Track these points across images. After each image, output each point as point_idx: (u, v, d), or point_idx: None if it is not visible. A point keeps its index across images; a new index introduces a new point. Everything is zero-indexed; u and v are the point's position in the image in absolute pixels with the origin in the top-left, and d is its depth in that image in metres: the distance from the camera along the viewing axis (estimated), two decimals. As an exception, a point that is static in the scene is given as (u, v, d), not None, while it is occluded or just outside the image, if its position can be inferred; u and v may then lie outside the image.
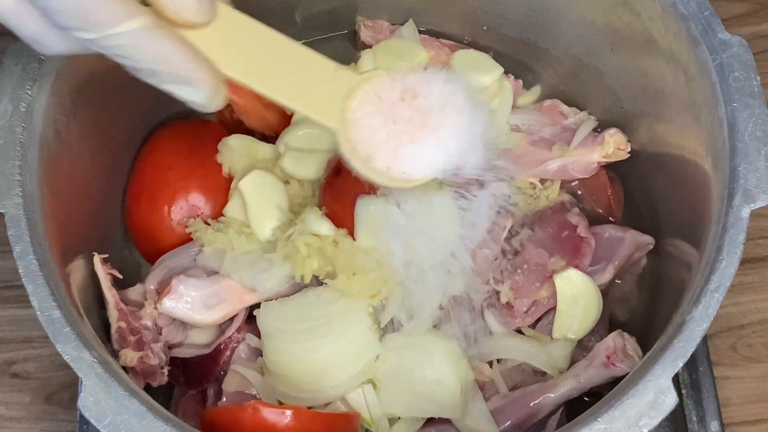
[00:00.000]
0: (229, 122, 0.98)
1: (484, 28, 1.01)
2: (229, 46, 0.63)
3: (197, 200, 0.89)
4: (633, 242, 0.88)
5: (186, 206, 0.89)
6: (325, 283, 0.81)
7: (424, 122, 0.67)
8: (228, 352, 0.84)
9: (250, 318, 0.85)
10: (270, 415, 0.73)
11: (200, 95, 0.60)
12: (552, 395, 0.81)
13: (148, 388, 0.81)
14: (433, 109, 0.67)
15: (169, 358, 0.83)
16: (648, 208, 0.93)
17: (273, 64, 0.65)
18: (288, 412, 0.73)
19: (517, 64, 1.01)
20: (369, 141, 0.67)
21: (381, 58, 0.97)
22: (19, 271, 0.67)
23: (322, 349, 0.78)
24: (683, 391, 0.88)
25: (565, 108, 0.97)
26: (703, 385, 0.88)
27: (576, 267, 0.85)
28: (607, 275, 0.87)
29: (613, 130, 0.92)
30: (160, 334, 0.82)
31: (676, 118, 0.82)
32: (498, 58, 0.97)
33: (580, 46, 0.94)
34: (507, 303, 0.84)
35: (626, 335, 0.83)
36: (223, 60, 0.62)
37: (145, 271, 0.89)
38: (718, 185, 0.71)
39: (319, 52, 0.67)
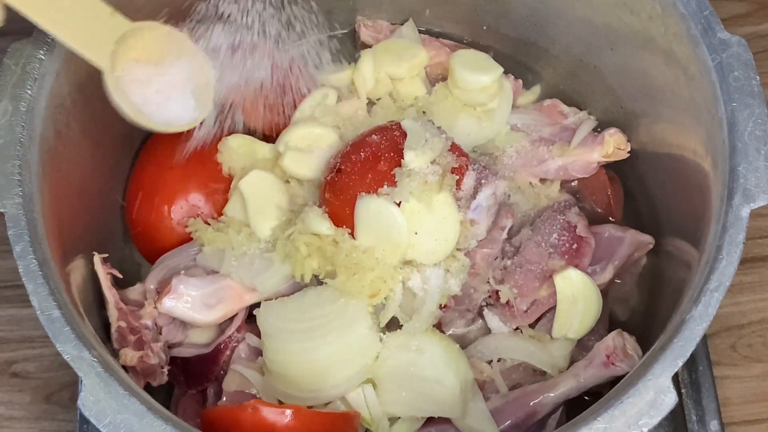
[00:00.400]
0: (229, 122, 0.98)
1: (484, 27, 1.01)
2: None
3: (197, 200, 0.89)
4: (633, 242, 0.88)
5: (186, 206, 0.89)
6: (325, 283, 0.81)
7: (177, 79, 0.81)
8: (228, 352, 0.84)
9: (250, 317, 0.85)
10: (270, 414, 0.73)
11: None
12: (552, 394, 0.81)
13: (148, 388, 0.81)
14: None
15: (169, 358, 0.83)
16: (648, 207, 0.93)
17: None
18: (288, 412, 0.73)
19: (517, 64, 1.01)
20: (140, 92, 0.78)
21: (381, 57, 0.97)
22: (19, 270, 0.67)
23: (322, 349, 0.78)
24: (683, 391, 0.88)
25: (564, 108, 0.97)
26: (703, 385, 0.88)
27: (576, 266, 0.85)
28: (606, 275, 0.87)
29: (612, 130, 0.92)
30: (160, 333, 0.82)
31: (676, 118, 0.82)
32: (498, 57, 0.97)
33: (580, 46, 0.94)
34: (507, 302, 0.84)
35: (626, 335, 0.83)
36: None
37: (145, 271, 0.89)
38: (717, 185, 0.71)
39: None
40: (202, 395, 0.86)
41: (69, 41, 0.71)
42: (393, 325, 0.82)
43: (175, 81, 0.81)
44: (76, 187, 0.82)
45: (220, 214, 0.89)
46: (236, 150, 0.91)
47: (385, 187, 0.80)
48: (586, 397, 0.82)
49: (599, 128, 0.95)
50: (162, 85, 0.80)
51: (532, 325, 0.87)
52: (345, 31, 1.07)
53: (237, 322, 0.84)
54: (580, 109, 0.97)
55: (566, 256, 0.86)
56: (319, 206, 0.83)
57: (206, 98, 0.84)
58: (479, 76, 0.92)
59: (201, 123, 0.85)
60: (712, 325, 0.65)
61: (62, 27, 0.70)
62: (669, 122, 0.85)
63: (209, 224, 0.87)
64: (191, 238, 0.88)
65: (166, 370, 0.83)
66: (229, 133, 0.95)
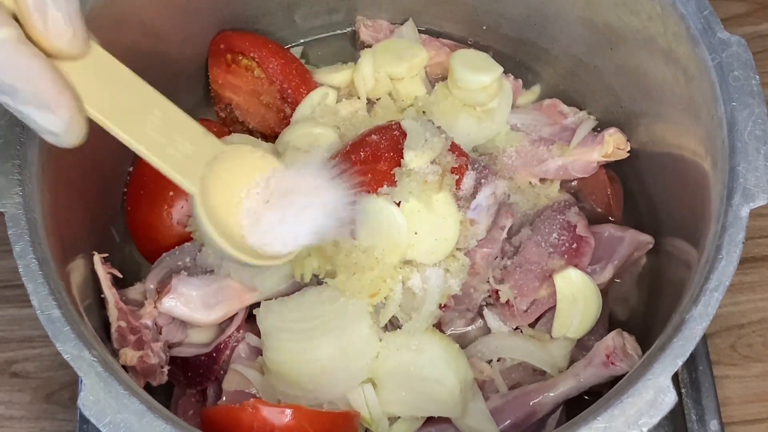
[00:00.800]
0: (229, 121, 0.98)
1: (484, 27, 1.01)
2: (96, 86, 0.61)
3: (197, 199, 0.89)
4: (632, 241, 0.88)
5: (186, 206, 0.89)
6: (325, 283, 0.81)
7: (292, 203, 0.69)
8: (228, 352, 0.84)
9: (250, 317, 0.85)
10: (270, 414, 0.73)
11: (58, 124, 0.57)
12: (551, 394, 0.81)
13: (148, 388, 0.81)
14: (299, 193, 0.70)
15: (168, 358, 0.83)
16: (647, 207, 0.93)
17: (139, 114, 0.63)
18: (288, 411, 0.73)
19: (517, 64, 1.01)
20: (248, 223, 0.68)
21: (381, 57, 0.97)
22: (19, 270, 0.67)
23: (321, 348, 0.78)
24: (683, 390, 0.88)
25: (564, 107, 0.97)
26: (703, 384, 0.88)
27: (575, 266, 0.85)
28: (606, 274, 0.87)
29: (612, 130, 0.92)
30: (160, 333, 0.82)
31: (676, 118, 0.82)
32: (498, 57, 0.97)
33: (580, 46, 0.94)
34: (506, 302, 0.85)
35: (626, 334, 0.83)
36: (88, 98, 0.60)
37: (145, 271, 0.89)
38: (717, 184, 0.71)
39: (187, 115, 0.66)
40: (202, 395, 0.87)
41: (159, 162, 0.63)
42: (393, 324, 0.82)
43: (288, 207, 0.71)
44: (76, 187, 0.82)
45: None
46: (236, 150, 0.91)
47: (385, 186, 0.80)
48: (586, 397, 0.82)
49: (599, 128, 0.95)
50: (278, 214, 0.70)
51: (531, 325, 0.87)
52: (345, 30, 1.07)
53: (237, 322, 0.84)
54: (580, 109, 0.97)
55: (566, 256, 0.86)
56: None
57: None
58: (479, 76, 0.93)
59: None
60: (712, 324, 0.65)
61: (152, 147, 0.63)
62: (669, 122, 0.85)
63: (209, 224, 0.87)
64: (191, 238, 0.88)
65: (166, 369, 0.83)
66: (229, 133, 0.95)
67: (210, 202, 0.66)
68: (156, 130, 0.64)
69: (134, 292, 0.84)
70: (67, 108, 0.56)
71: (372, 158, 0.82)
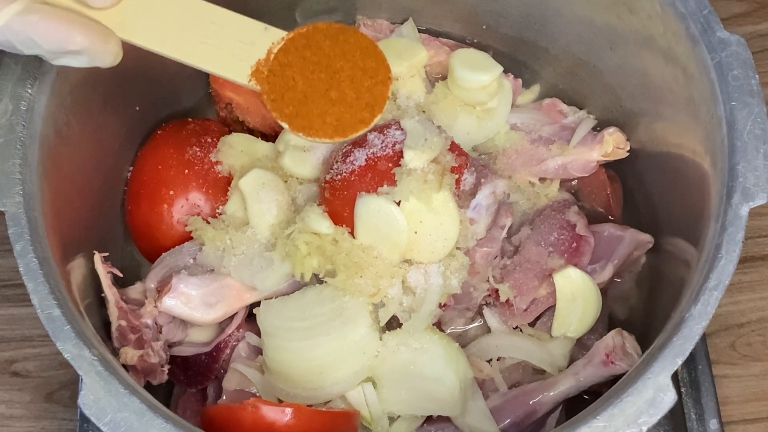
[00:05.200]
0: (229, 121, 0.98)
1: (484, 27, 1.02)
2: (139, 14, 0.64)
3: (197, 199, 0.90)
4: (632, 241, 0.88)
5: (186, 205, 0.89)
6: (325, 282, 0.81)
7: None
8: (228, 351, 0.84)
9: (250, 316, 0.85)
10: (270, 413, 0.73)
11: (86, 61, 0.63)
12: (551, 393, 0.81)
13: (148, 387, 0.81)
14: None
15: (169, 357, 0.83)
16: (647, 206, 0.93)
17: (188, 29, 0.65)
18: (288, 410, 0.73)
19: (517, 63, 1.01)
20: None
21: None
22: (20, 269, 0.67)
23: (321, 348, 0.78)
24: (682, 390, 0.88)
25: (564, 107, 0.97)
26: (702, 384, 0.88)
27: (575, 265, 0.85)
28: (606, 274, 0.87)
29: (612, 129, 0.92)
30: (161, 332, 0.83)
31: (675, 117, 0.82)
32: (497, 56, 0.97)
33: (579, 45, 0.94)
34: (506, 301, 0.85)
35: (625, 333, 0.83)
36: (136, 31, 0.63)
37: (146, 270, 0.89)
38: (716, 183, 0.71)
39: (245, 17, 0.67)
40: (202, 394, 0.87)
41: (226, 75, 0.66)
42: (393, 323, 0.82)
43: None
44: (76, 186, 0.83)
45: (221, 212, 0.89)
46: (236, 148, 0.91)
47: (385, 186, 0.80)
48: (586, 396, 0.82)
49: (598, 127, 0.95)
50: None
51: (531, 324, 0.87)
52: (345, 30, 1.07)
53: (237, 321, 0.84)
54: (580, 108, 0.97)
55: (566, 255, 0.86)
56: (319, 205, 0.83)
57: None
58: (479, 75, 0.92)
59: None
60: (712, 323, 0.65)
61: (214, 62, 0.65)
62: (668, 121, 0.85)
63: (209, 223, 0.87)
64: (191, 237, 0.88)
65: (166, 368, 0.83)
66: (229, 132, 0.95)
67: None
68: (214, 43, 0.65)
69: (134, 291, 0.85)
70: (92, 46, 0.62)
71: (372, 158, 0.82)
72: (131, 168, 0.94)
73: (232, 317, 0.84)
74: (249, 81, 0.66)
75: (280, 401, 0.79)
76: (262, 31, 0.67)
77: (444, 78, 0.97)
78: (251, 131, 0.97)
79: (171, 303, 0.81)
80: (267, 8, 1.00)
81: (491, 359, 0.86)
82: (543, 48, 0.99)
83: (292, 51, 0.67)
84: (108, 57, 0.64)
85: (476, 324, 0.89)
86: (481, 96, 0.93)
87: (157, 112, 0.97)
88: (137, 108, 0.93)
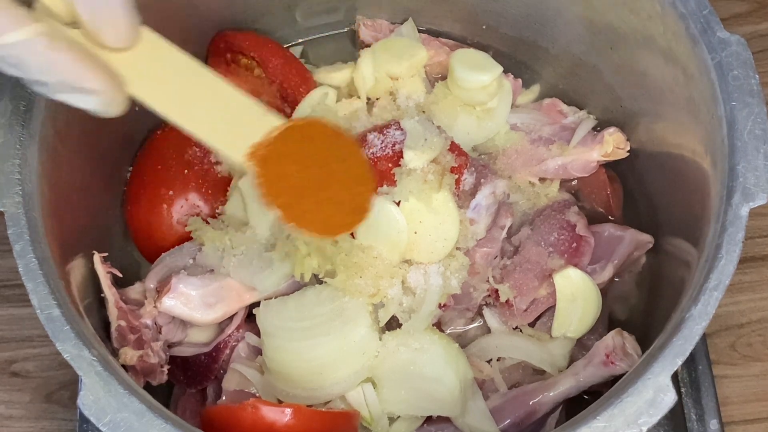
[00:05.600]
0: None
1: (484, 27, 1.01)
2: (146, 71, 0.62)
3: (197, 199, 0.90)
4: (632, 241, 0.88)
5: (186, 205, 0.89)
6: (325, 282, 0.81)
7: None
8: (227, 351, 0.84)
9: (250, 316, 0.85)
10: (269, 413, 0.73)
11: (94, 103, 0.59)
12: (551, 393, 0.81)
13: (147, 387, 0.81)
14: None
15: (168, 357, 0.83)
16: (647, 206, 0.93)
17: (191, 95, 0.64)
18: (287, 411, 0.73)
19: (517, 63, 1.01)
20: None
21: (380, 56, 0.97)
22: (19, 269, 0.67)
23: (321, 348, 0.78)
24: (682, 390, 0.88)
25: (564, 107, 0.97)
26: (702, 384, 0.88)
27: (575, 265, 0.85)
28: (606, 274, 0.87)
29: (612, 129, 0.92)
30: (160, 332, 0.82)
31: (676, 117, 0.82)
32: (497, 57, 0.97)
33: (580, 45, 0.94)
34: (506, 301, 0.85)
35: (625, 333, 0.83)
36: (140, 85, 0.61)
37: (145, 270, 0.89)
38: (717, 184, 0.71)
39: (245, 94, 0.66)
40: (201, 394, 0.87)
41: (219, 145, 0.65)
42: (393, 323, 0.82)
43: None
44: (76, 186, 0.82)
45: (221, 212, 0.89)
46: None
47: (385, 186, 0.80)
48: (586, 396, 0.82)
49: (598, 127, 0.95)
50: None
51: (531, 324, 0.87)
52: (345, 30, 1.07)
53: (237, 321, 0.84)
54: (580, 108, 0.97)
55: (566, 255, 0.86)
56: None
57: None
58: (479, 75, 0.92)
59: None
60: (712, 324, 0.65)
61: (205, 129, 0.64)
62: (668, 121, 0.85)
63: (209, 223, 0.87)
64: (191, 237, 0.88)
65: (165, 369, 0.83)
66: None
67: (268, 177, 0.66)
68: (215, 115, 0.65)
69: (134, 291, 0.84)
70: (101, 91, 0.59)
71: (372, 158, 0.82)
72: (131, 168, 0.94)
73: (231, 317, 0.84)
74: (244, 161, 0.65)
75: (280, 401, 0.79)
76: (262, 114, 0.67)
77: (444, 78, 0.97)
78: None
79: (171, 303, 0.81)
80: (267, 8, 1.00)
81: (491, 359, 0.86)
82: (543, 48, 0.99)
83: (290, 141, 0.67)
84: (117, 104, 0.61)
85: (476, 324, 0.89)
86: (481, 96, 0.93)
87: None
88: (137, 108, 0.93)
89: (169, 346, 0.84)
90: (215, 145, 0.65)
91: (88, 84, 0.58)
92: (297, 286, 0.83)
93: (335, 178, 0.67)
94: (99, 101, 0.59)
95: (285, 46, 1.03)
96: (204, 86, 0.65)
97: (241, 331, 0.84)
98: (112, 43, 0.60)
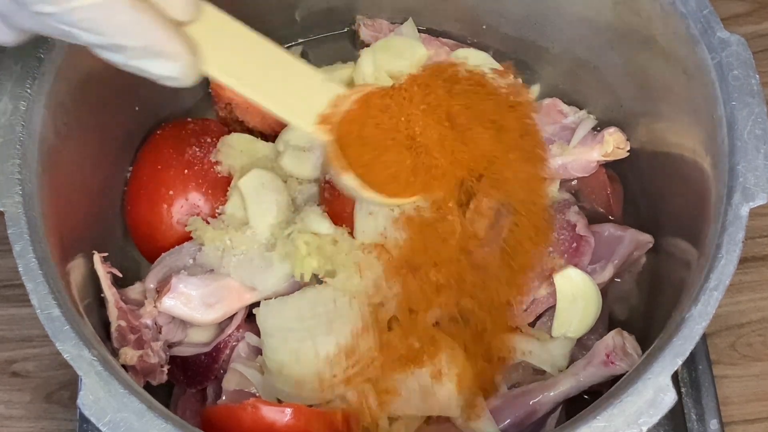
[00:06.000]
0: (229, 121, 0.98)
1: (484, 27, 1.01)
2: (211, 45, 0.62)
3: (197, 199, 0.89)
4: (632, 241, 0.88)
5: (185, 205, 0.89)
6: (325, 282, 0.81)
7: None
8: (227, 351, 0.84)
9: (250, 316, 0.85)
10: (270, 413, 0.73)
11: (173, 69, 0.57)
12: (551, 393, 0.81)
13: (147, 387, 0.81)
14: None
15: (168, 357, 0.83)
16: (647, 206, 0.93)
17: (256, 67, 0.65)
18: (287, 411, 0.73)
19: (517, 63, 1.01)
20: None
21: (380, 55, 0.97)
22: (19, 269, 0.67)
23: (321, 348, 0.78)
24: (682, 390, 0.88)
25: (564, 107, 0.97)
26: (703, 384, 0.88)
27: (575, 265, 0.85)
28: (606, 274, 0.87)
29: (612, 129, 0.92)
30: (160, 332, 0.82)
31: (676, 117, 0.82)
32: (497, 56, 0.97)
33: (580, 45, 0.94)
34: (506, 301, 0.84)
35: (625, 333, 0.83)
36: (205, 58, 0.61)
37: (145, 270, 0.89)
38: (717, 183, 0.71)
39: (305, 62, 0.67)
40: (201, 394, 0.87)
41: (284, 113, 0.66)
42: (393, 323, 0.82)
43: None
44: (76, 186, 0.82)
45: (220, 212, 0.89)
46: (236, 148, 0.91)
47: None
48: (586, 396, 0.82)
49: (599, 127, 0.95)
50: None
51: (531, 324, 0.87)
52: (345, 30, 1.07)
53: (237, 321, 0.84)
54: (580, 108, 0.97)
55: (566, 255, 0.86)
56: (319, 205, 0.83)
57: None
58: (479, 75, 0.92)
59: None
60: (712, 324, 0.65)
61: (275, 99, 0.66)
62: (668, 121, 0.85)
63: (209, 223, 0.87)
64: (191, 237, 0.88)
65: (165, 369, 0.83)
66: (229, 132, 0.95)
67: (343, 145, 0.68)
68: (274, 81, 0.66)
69: (134, 291, 0.84)
70: (179, 53, 0.57)
71: (372, 157, 0.82)
72: (131, 168, 0.94)
73: (231, 317, 0.84)
74: (315, 129, 0.67)
75: (280, 401, 0.79)
76: (325, 83, 0.69)
77: (444, 78, 0.97)
78: (251, 131, 0.97)
79: (170, 303, 0.81)
80: (266, 8, 1.00)
81: (491, 359, 0.85)
82: (543, 48, 0.99)
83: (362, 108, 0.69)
84: (195, 71, 0.59)
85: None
86: (481, 96, 0.93)
87: (157, 112, 0.97)
88: (137, 108, 0.93)
89: (169, 346, 0.84)
90: (284, 115, 0.67)
91: (170, 47, 0.56)
92: (297, 286, 0.83)
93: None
94: (179, 67, 0.57)
95: (285, 46, 1.03)
96: (268, 58, 0.66)
97: (241, 331, 0.84)
98: (179, 12, 0.58)
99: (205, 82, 1.00)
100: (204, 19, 0.62)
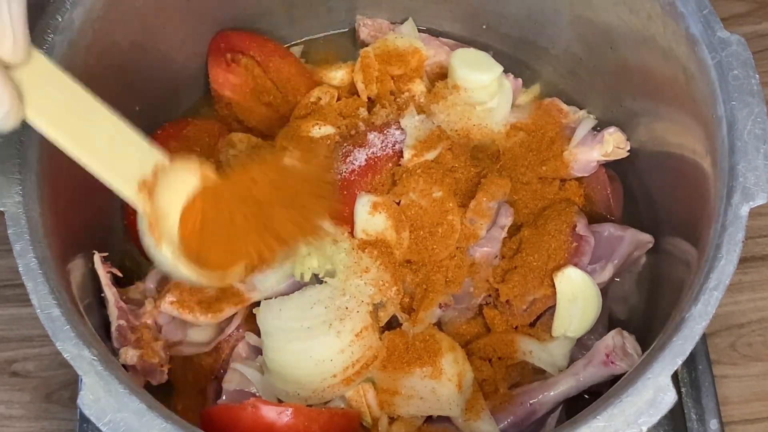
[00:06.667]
0: (229, 121, 0.98)
1: (484, 26, 1.01)
2: (38, 94, 0.60)
3: (197, 199, 0.89)
4: (632, 241, 0.88)
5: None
6: (325, 282, 0.81)
7: None
8: (228, 351, 0.84)
9: (250, 316, 0.85)
10: (269, 413, 0.73)
11: None
12: (551, 393, 0.81)
13: (148, 387, 0.81)
14: None
15: (168, 357, 0.83)
16: (647, 206, 0.93)
17: (83, 124, 0.63)
18: (288, 410, 0.73)
19: (517, 63, 1.01)
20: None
21: (380, 55, 0.97)
22: (19, 269, 0.67)
23: (321, 348, 0.78)
24: (682, 390, 0.88)
25: (564, 106, 0.97)
26: (703, 384, 0.88)
27: (575, 265, 0.85)
28: (606, 274, 0.87)
29: (612, 129, 0.92)
30: (160, 332, 0.82)
31: (676, 117, 0.82)
32: (498, 56, 0.97)
33: (580, 45, 0.94)
34: (506, 301, 0.84)
35: (625, 333, 0.83)
36: (29, 106, 0.59)
37: (145, 270, 0.89)
38: (717, 183, 0.71)
39: (132, 127, 0.66)
40: (201, 394, 0.86)
41: (105, 175, 0.64)
42: (393, 323, 0.82)
43: None
44: (76, 186, 0.82)
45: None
46: (236, 149, 0.91)
47: (385, 186, 0.80)
48: (586, 396, 0.82)
49: (599, 127, 0.95)
50: None
51: (531, 324, 0.87)
52: (345, 29, 1.07)
53: (237, 321, 0.84)
54: (580, 108, 0.97)
55: (566, 255, 0.86)
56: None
57: None
58: (479, 75, 0.93)
59: None
60: (712, 324, 0.65)
61: (97, 160, 0.63)
62: (668, 121, 0.85)
63: (209, 223, 0.87)
64: (191, 237, 0.88)
65: (165, 369, 0.83)
66: (229, 132, 0.95)
67: (157, 214, 0.67)
68: (101, 144, 0.64)
69: (134, 291, 0.84)
70: (4, 98, 0.56)
71: (372, 157, 0.82)
72: (131, 168, 0.94)
73: (231, 317, 0.84)
74: (134, 195, 0.66)
75: (280, 401, 0.79)
76: (148, 149, 0.67)
77: (444, 77, 0.97)
78: (251, 131, 0.97)
79: (171, 303, 0.81)
80: (267, 8, 1.00)
81: (491, 359, 0.85)
82: (543, 48, 0.99)
83: (179, 179, 0.68)
84: (16, 116, 0.57)
85: (476, 324, 0.88)
86: (481, 96, 0.93)
87: (157, 112, 0.97)
88: (137, 108, 0.93)
89: (169, 345, 0.84)
90: (105, 177, 0.65)
91: None
92: (297, 286, 0.83)
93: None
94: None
95: (285, 46, 1.03)
96: (96, 117, 0.64)
97: (241, 330, 0.84)
98: (8, 53, 0.57)
99: (205, 82, 1.00)
100: (34, 66, 0.60)
